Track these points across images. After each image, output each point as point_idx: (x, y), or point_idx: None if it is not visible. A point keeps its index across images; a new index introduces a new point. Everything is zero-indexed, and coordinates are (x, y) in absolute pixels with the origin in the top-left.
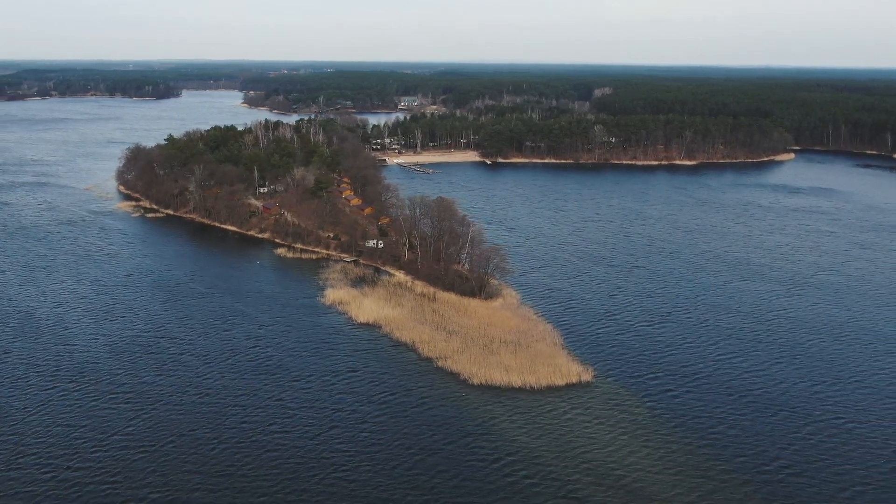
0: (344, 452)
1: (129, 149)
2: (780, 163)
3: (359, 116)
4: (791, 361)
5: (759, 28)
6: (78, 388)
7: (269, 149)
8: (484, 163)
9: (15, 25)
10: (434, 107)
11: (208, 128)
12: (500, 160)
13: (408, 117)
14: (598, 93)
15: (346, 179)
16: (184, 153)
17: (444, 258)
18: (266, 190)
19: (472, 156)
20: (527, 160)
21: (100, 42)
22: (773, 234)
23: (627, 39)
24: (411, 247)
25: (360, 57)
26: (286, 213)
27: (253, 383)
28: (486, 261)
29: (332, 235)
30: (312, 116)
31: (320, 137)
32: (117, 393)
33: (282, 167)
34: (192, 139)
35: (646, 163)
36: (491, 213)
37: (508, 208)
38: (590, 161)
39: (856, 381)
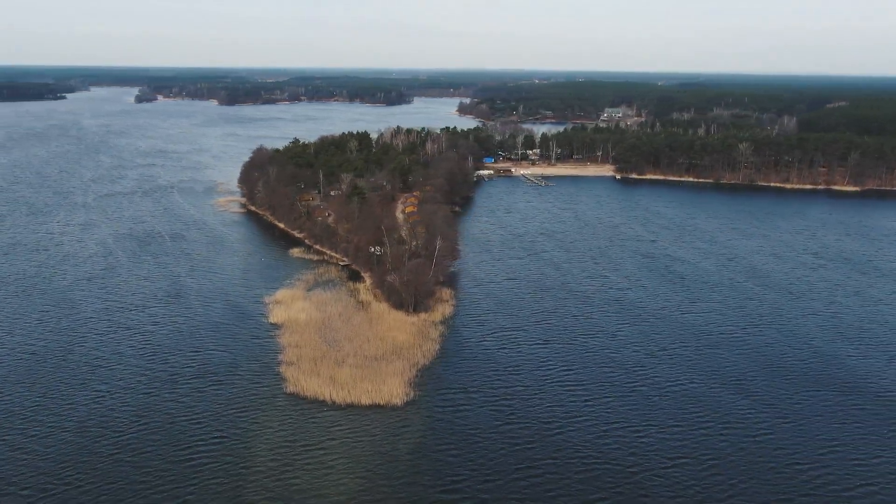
0: (84, 431)
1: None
2: None
3: (533, 126)
4: (631, 413)
5: None
6: None
7: (363, 155)
8: (614, 178)
9: (304, 38)
10: (637, 118)
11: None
12: (634, 176)
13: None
14: (830, 107)
15: (426, 188)
16: (284, 155)
17: (410, 269)
18: (336, 193)
19: (607, 170)
20: (662, 177)
21: (378, 51)
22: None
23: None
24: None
25: (616, 67)
26: (330, 216)
27: (104, 355)
28: (417, 275)
29: (348, 240)
30: (478, 124)
31: (436, 145)
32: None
33: (341, 172)
34: (323, 141)
35: (798, 186)
36: (539, 225)
37: (568, 222)
38: (732, 181)
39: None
